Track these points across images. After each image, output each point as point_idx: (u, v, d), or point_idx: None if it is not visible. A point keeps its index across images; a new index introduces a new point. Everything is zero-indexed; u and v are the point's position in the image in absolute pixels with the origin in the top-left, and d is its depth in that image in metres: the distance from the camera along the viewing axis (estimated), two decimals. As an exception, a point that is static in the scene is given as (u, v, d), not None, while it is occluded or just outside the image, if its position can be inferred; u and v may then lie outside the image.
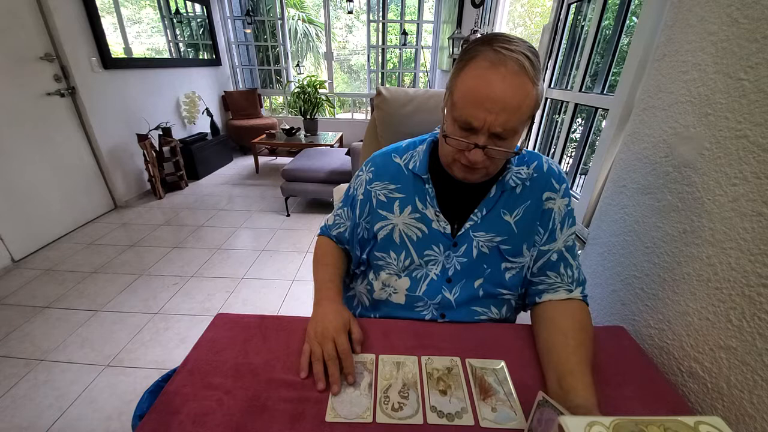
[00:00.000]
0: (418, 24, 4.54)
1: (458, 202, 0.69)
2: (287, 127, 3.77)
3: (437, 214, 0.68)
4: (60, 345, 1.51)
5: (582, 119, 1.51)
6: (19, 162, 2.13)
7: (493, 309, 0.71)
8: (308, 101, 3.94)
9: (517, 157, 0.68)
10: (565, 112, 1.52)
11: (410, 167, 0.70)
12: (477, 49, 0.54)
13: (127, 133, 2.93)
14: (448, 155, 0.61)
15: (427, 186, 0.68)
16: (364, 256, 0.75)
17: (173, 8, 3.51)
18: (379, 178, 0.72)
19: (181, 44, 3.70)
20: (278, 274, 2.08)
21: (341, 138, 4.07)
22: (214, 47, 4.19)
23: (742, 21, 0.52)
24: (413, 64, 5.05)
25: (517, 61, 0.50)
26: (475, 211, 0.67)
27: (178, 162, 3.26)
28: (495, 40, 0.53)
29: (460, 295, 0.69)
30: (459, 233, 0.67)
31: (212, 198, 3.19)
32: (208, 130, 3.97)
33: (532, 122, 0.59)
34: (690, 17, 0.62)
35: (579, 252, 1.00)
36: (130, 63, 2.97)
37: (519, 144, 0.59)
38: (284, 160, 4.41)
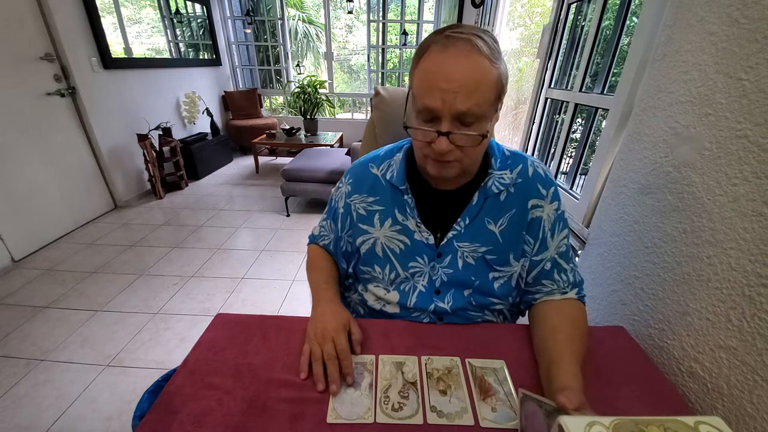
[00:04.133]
0: (418, 24, 4.53)
1: (440, 212, 0.66)
2: (287, 127, 3.77)
3: (418, 225, 0.66)
4: (60, 345, 1.51)
5: (582, 119, 1.51)
6: (19, 162, 2.13)
7: (487, 314, 0.71)
8: (308, 101, 3.94)
9: (499, 160, 0.65)
10: (565, 112, 1.52)
11: (387, 178, 0.68)
12: (429, 39, 0.54)
13: (127, 133, 2.93)
14: (419, 152, 0.59)
15: (406, 197, 0.66)
16: (351, 270, 0.74)
17: (173, 8, 3.51)
18: (358, 190, 0.70)
19: (181, 44, 3.70)
20: (278, 274, 2.08)
21: (341, 138, 4.06)
22: (214, 47, 4.19)
23: (742, 21, 0.52)
24: (413, 64, 5.03)
25: (468, 40, 0.50)
26: (458, 220, 0.65)
27: (178, 162, 3.26)
28: (446, 29, 0.53)
29: (453, 304, 0.68)
30: (442, 243, 0.65)
31: (212, 198, 3.19)
32: (208, 130, 3.97)
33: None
34: (690, 17, 0.62)
35: (579, 252, 1.00)
36: (130, 63, 2.96)
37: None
38: (284, 160, 4.40)
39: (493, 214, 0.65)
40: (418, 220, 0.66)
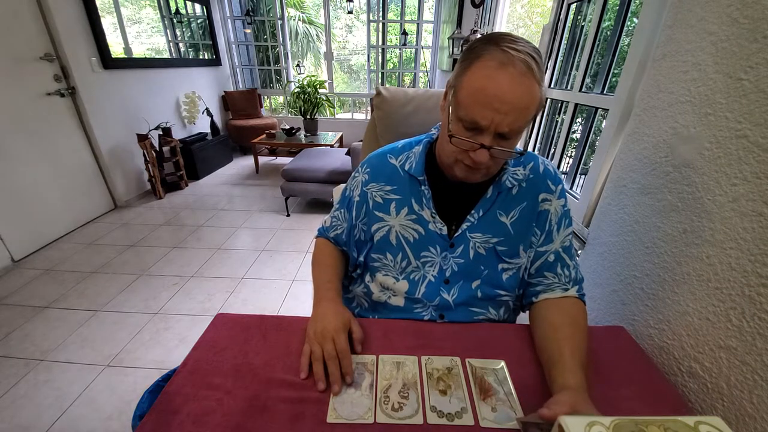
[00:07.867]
0: (418, 24, 4.53)
1: (455, 204, 0.68)
2: (287, 127, 3.77)
3: (433, 215, 0.67)
4: (60, 345, 1.51)
5: (582, 119, 1.51)
6: (20, 162, 2.13)
7: (491, 310, 0.71)
8: (308, 101, 3.94)
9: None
10: (565, 112, 1.52)
11: (406, 168, 0.70)
12: (483, 47, 0.53)
13: (127, 133, 2.93)
14: (450, 155, 0.60)
15: (423, 187, 0.68)
16: (361, 258, 0.75)
17: (173, 8, 3.51)
18: (375, 179, 0.72)
19: (181, 44, 3.70)
20: (278, 274, 2.08)
21: (341, 138, 4.06)
22: (214, 47, 4.19)
23: (742, 21, 0.52)
24: (413, 64, 5.05)
25: (525, 61, 0.50)
26: (472, 212, 0.67)
27: (178, 162, 3.26)
28: (501, 39, 0.53)
29: (458, 296, 0.69)
30: (456, 234, 0.67)
31: (212, 198, 3.19)
32: (208, 130, 3.97)
33: (533, 123, 0.60)
34: (690, 17, 0.62)
35: (579, 252, 1.00)
36: (130, 63, 2.96)
37: (520, 145, 0.59)
38: (284, 160, 4.40)
39: (505, 206, 0.67)
40: (433, 211, 0.67)
